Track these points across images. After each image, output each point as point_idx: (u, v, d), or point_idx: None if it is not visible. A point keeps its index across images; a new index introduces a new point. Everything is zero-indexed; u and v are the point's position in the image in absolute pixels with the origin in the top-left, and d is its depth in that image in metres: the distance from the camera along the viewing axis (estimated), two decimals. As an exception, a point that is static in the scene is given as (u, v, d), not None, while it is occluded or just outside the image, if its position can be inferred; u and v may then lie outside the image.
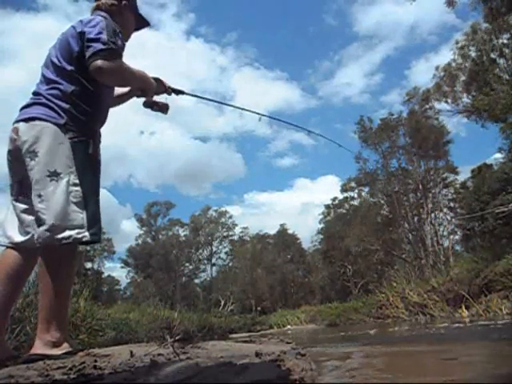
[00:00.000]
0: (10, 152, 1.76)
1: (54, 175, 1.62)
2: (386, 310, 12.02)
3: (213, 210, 45.88)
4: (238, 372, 1.13)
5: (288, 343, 2.03)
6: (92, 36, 1.70)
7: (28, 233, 1.71)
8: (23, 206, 1.74)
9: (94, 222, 1.66)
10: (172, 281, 40.50)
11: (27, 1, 77.99)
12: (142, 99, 2.09)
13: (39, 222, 1.61)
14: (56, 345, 1.57)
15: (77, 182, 1.65)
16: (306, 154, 65.98)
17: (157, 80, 2.05)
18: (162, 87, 2.09)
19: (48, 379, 1.24)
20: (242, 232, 45.28)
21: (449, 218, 24.64)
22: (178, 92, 2.21)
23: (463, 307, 9.07)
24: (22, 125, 1.70)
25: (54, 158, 1.65)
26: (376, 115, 25.70)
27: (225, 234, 45.33)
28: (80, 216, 1.63)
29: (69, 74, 1.76)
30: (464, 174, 24.48)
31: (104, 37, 1.69)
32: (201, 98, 2.58)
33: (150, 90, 1.98)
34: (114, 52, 1.71)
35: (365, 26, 67.26)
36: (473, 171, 21.53)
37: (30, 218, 1.71)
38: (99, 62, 1.65)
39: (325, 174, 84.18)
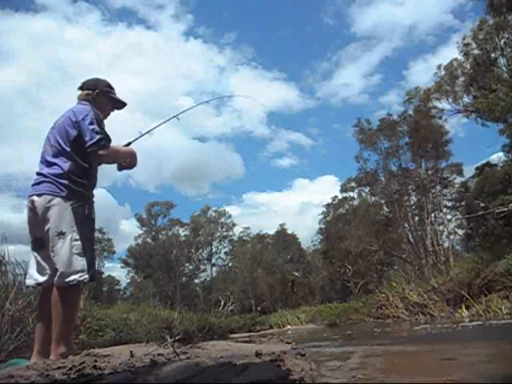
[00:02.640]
0: (29, 218, 2.32)
1: (61, 234, 2.18)
2: (385, 310, 12.00)
3: (213, 210, 45.92)
4: (238, 372, 1.13)
5: (288, 343, 2.03)
6: (86, 127, 2.30)
7: (47, 274, 2.26)
8: (43, 255, 2.28)
9: (91, 266, 2.22)
10: (172, 281, 40.49)
11: (26, 1, 77.98)
12: None
13: (55, 271, 2.17)
14: (63, 357, 1.98)
15: (77, 237, 2.20)
16: (304, 155, 65.85)
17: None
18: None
19: (48, 379, 1.24)
20: (242, 232, 45.32)
21: (449, 217, 24.64)
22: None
23: (463, 307, 9.07)
24: (36, 198, 2.27)
25: (60, 222, 2.21)
26: (375, 116, 25.74)
27: (224, 234, 45.35)
28: (81, 263, 2.18)
29: (67, 155, 2.32)
30: (463, 174, 24.44)
31: (97, 128, 2.31)
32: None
33: (134, 163, 2.54)
34: (106, 140, 2.34)
35: (363, 26, 67.45)
36: (477, 169, 21.51)
37: (48, 264, 2.27)
38: (100, 152, 2.29)
39: (323, 174, 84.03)
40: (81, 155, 2.32)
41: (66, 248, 2.17)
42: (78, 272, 2.15)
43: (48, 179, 2.28)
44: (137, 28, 69.89)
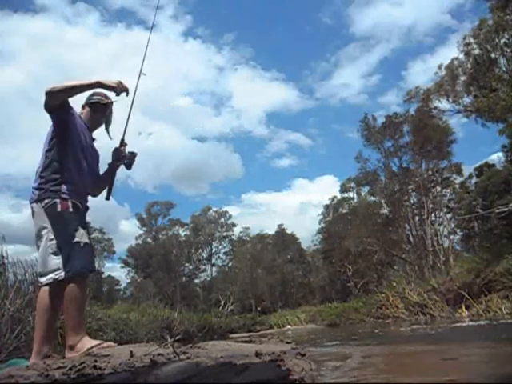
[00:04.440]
0: None
1: (39, 237, 2.26)
2: (385, 310, 12.00)
3: (213, 210, 45.90)
4: (238, 372, 1.13)
5: (288, 343, 2.03)
6: None
7: None
8: None
9: (70, 261, 2.18)
10: (172, 281, 40.49)
11: (25, 2, 77.95)
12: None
13: None
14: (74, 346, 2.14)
15: (52, 237, 2.22)
16: (303, 155, 65.78)
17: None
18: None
19: (48, 379, 1.24)
20: (241, 232, 45.31)
21: (449, 217, 24.62)
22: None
23: (463, 307, 9.07)
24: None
25: (37, 225, 2.28)
26: (375, 115, 25.56)
27: (224, 234, 45.35)
28: (56, 262, 2.19)
29: (44, 154, 2.38)
30: (462, 174, 24.42)
31: None
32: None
33: (115, 87, 2.41)
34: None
35: (361, 27, 67.40)
36: (476, 169, 21.52)
37: None
38: (46, 90, 2.34)
39: (323, 174, 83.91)
40: (57, 150, 2.36)
41: (42, 249, 2.23)
42: (53, 271, 2.17)
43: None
44: (136, 28, 69.86)
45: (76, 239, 2.22)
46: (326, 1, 68.16)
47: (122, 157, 2.66)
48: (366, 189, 28.63)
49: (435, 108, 20.71)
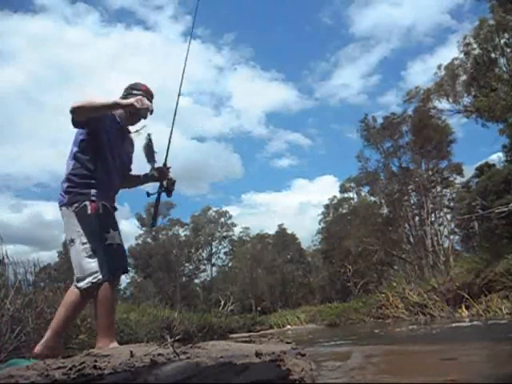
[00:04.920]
0: None
1: (71, 242, 2.25)
2: (385, 310, 12.00)
3: (213, 210, 45.89)
4: (238, 372, 1.13)
5: (288, 343, 2.03)
6: None
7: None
8: None
9: (107, 262, 2.18)
10: (172, 281, 40.47)
11: (25, 2, 77.98)
12: None
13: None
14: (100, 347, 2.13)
15: (85, 240, 2.22)
16: (303, 155, 65.73)
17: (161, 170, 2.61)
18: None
19: (48, 379, 1.24)
20: (241, 232, 45.30)
21: (449, 217, 24.62)
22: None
23: (463, 307, 9.07)
24: None
25: (68, 230, 2.28)
26: (374, 115, 25.62)
27: (224, 234, 45.34)
28: (93, 265, 2.18)
29: (73, 156, 2.35)
30: (463, 174, 24.38)
31: None
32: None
33: (139, 111, 2.36)
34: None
35: (361, 27, 67.38)
36: (477, 169, 21.49)
37: None
38: (72, 106, 2.25)
39: (322, 174, 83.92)
40: (87, 153, 2.34)
41: (77, 253, 2.22)
42: (91, 274, 2.17)
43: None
44: (135, 29, 69.83)
45: (108, 241, 2.22)
46: (325, 1, 68.24)
47: (166, 180, 2.59)
48: (365, 189, 28.65)
49: (434, 108, 20.72)
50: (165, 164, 2.64)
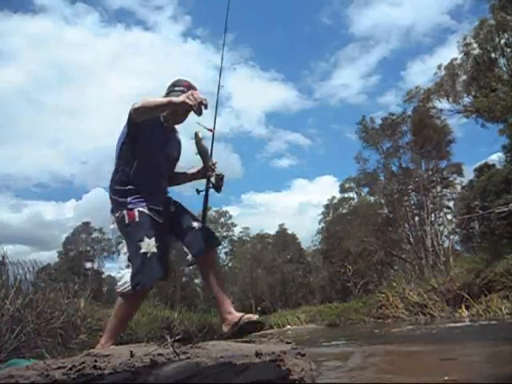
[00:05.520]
0: None
1: (118, 250, 2.42)
2: (386, 310, 11.99)
3: (213, 210, 45.86)
4: (238, 372, 1.13)
5: (288, 343, 2.03)
6: None
7: None
8: None
9: (136, 274, 2.19)
10: (172, 281, 40.44)
11: (25, 2, 78.12)
12: None
13: None
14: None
15: (125, 250, 2.29)
16: (303, 155, 65.90)
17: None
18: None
19: (48, 379, 1.25)
20: (241, 232, 45.29)
21: (449, 217, 24.62)
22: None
23: (463, 307, 9.07)
24: None
25: (115, 238, 2.42)
26: (373, 116, 25.63)
27: (224, 234, 45.31)
28: (127, 275, 2.23)
29: (115, 163, 2.35)
30: (463, 174, 24.35)
31: None
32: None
33: (191, 106, 2.13)
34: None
35: (361, 27, 67.58)
36: (476, 170, 21.51)
37: None
38: (134, 106, 2.21)
39: (322, 174, 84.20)
40: (125, 157, 2.32)
41: (119, 262, 2.37)
42: (123, 284, 2.24)
43: None
44: (135, 29, 69.96)
45: (143, 250, 2.18)
46: (325, 1, 68.45)
47: (214, 175, 2.55)
48: (365, 189, 28.64)
49: (434, 108, 20.71)
50: (213, 164, 2.59)
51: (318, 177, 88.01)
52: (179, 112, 2.39)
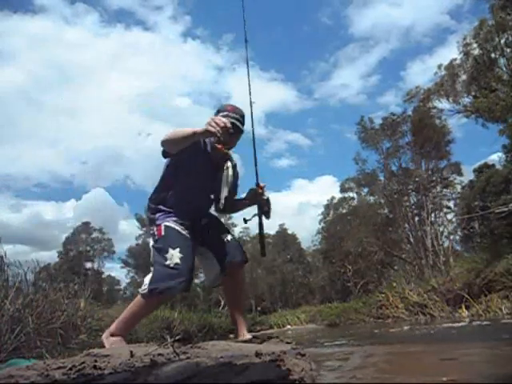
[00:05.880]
0: None
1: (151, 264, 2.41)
2: (386, 310, 11.99)
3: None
4: (238, 372, 1.13)
5: (288, 343, 2.03)
6: None
7: None
8: None
9: (154, 280, 2.23)
10: (172, 281, 40.44)
11: (25, 2, 78.25)
12: None
13: None
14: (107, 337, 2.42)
15: (151, 261, 2.35)
16: (303, 155, 66.00)
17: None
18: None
19: (48, 379, 1.25)
20: (241, 232, 45.25)
21: (449, 217, 24.62)
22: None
23: (463, 307, 9.07)
24: None
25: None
26: (373, 116, 25.63)
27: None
28: (148, 277, 2.28)
29: (157, 184, 2.49)
30: (462, 174, 24.36)
31: None
32: None
33: (216, 130, 2.05)
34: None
35: (360, 27, 67.68)
36: (475, 170, 21.52)
37: None
38: (162, 139, 2.24)
39: (322, 174, 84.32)
40: (165, 180, 2.45)
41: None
42: (144, 286, 2.27)
43: None
44: (135, 29, 70.00)
45: (167, 262, 2.21)
46: (324, 1, 68.49)
47: (262, 202, 2.49)
48: (365, 189, 28.64)
49: (434, 108, 20.70)
50: (257, 183, 2.52)
51: (318, 177, 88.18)
52: (221, 138, 2.20)
